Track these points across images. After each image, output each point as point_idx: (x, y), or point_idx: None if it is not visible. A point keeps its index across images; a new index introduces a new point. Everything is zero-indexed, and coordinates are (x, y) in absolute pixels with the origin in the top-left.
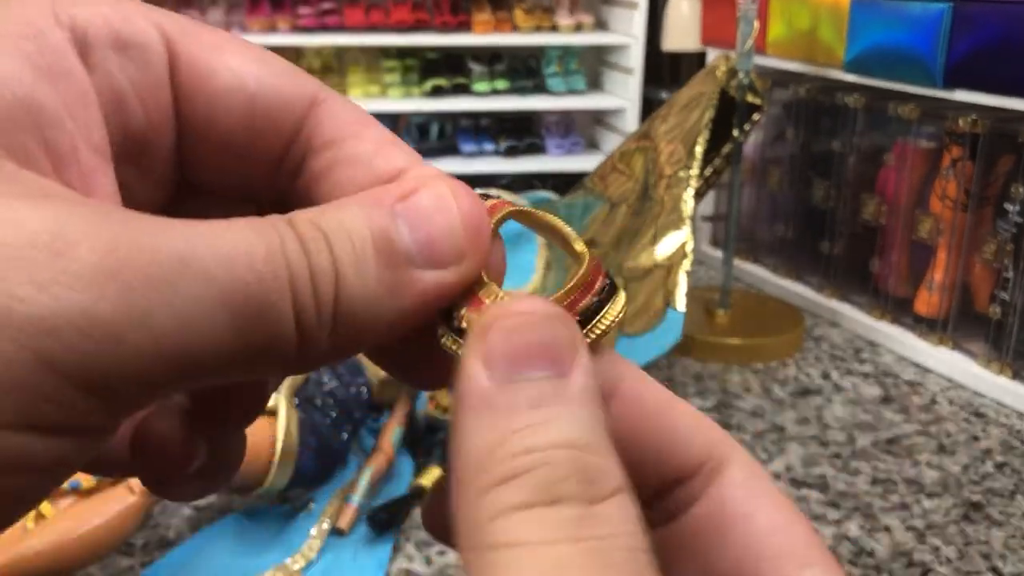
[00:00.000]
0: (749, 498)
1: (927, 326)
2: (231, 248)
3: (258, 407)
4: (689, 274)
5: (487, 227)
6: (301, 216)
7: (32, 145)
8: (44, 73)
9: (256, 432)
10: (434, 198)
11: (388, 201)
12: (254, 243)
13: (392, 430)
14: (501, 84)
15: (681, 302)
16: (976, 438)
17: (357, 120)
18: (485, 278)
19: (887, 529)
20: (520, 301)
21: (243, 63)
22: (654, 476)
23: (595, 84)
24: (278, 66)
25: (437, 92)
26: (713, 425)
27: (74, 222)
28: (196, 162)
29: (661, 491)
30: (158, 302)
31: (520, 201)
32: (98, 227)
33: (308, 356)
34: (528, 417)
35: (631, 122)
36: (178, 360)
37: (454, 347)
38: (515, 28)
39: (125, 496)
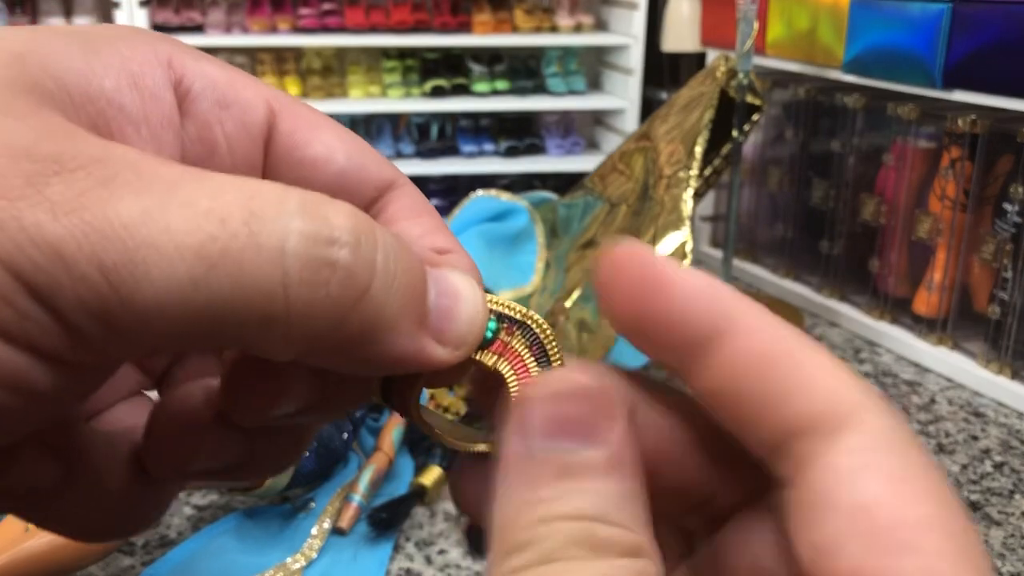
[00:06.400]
0: (856, 469)
1: (926, 326)
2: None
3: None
4: None
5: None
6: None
7: (105, 127)
8: (137, 88)
9: None
10: (467, 283)
11: (427, 261)
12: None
13: (392, 430)
14: (501, 84)
15: None
16: (975, 438)
17: (419, 207)
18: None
19: None
20: (558, 374)
21: (336, 140)
22: (757, 434)
23: (595, 84)
24: (366, 149)
25: (437, 92)
26: (845, 379)
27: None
28: None
29: (773, 451)
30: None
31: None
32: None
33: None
34: (550, 489)
35: (631, 122)
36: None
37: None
38: (515, 29)
39: None
